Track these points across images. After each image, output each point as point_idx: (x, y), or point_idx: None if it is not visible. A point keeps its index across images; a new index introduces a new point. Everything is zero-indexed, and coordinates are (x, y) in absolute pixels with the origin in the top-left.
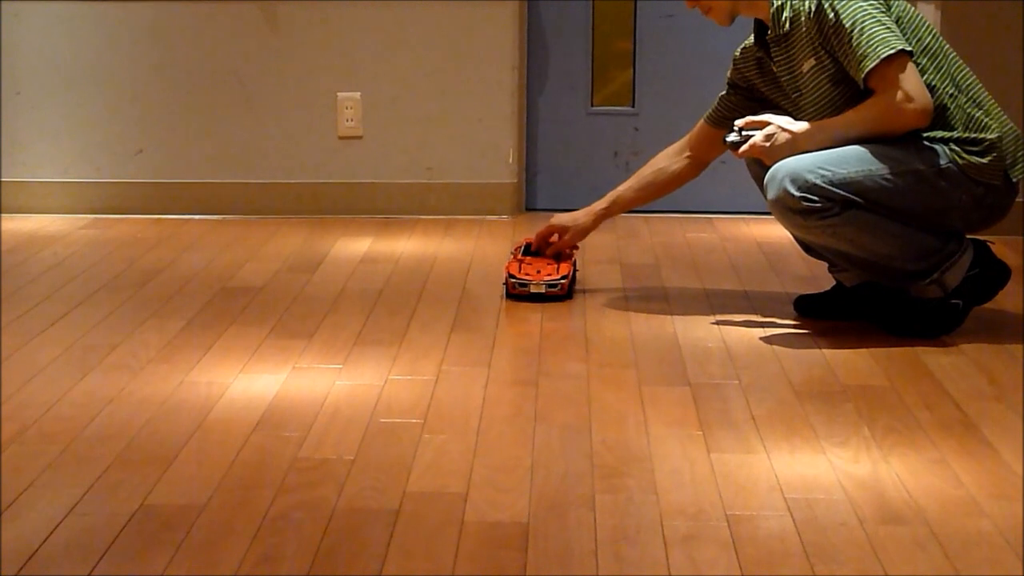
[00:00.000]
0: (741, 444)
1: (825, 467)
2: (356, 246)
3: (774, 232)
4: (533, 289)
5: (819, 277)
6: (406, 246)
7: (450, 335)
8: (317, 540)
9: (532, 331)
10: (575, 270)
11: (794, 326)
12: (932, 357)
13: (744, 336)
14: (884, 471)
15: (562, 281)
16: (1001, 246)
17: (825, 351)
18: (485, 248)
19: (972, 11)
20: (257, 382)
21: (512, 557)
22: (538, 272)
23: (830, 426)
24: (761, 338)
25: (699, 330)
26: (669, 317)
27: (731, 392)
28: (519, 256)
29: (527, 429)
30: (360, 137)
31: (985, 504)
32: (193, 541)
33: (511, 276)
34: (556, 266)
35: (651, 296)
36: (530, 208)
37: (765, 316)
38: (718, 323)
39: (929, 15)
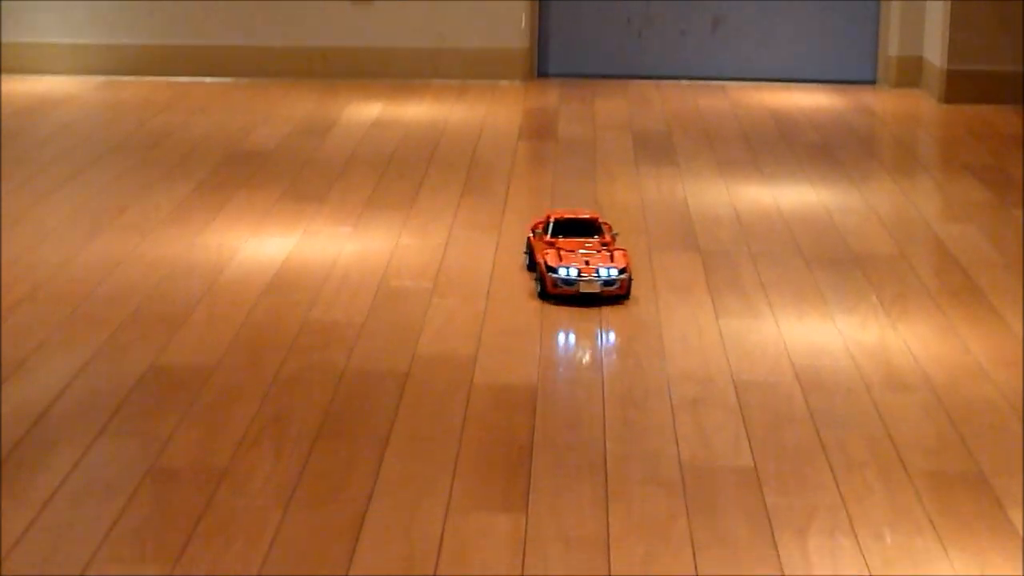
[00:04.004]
0: (750, 310)
1: (833, 333)
2: (367, 110)
3: (786, 100)
4: (584, 288)
5: (831, 145)
6: (417, 111)
7: (460, 199)
8: (327, 402)
9: (543, 196)
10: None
11: (805, 193)
12: (942, 225)
13: (755, 203)
14: (892, 338)
15: (621, 277)
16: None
17: (835, 218)
18: (497, 114)
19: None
20: (267, 245)
21: (520, 420)
22: (587, 263)
23: (839, 293)
24: (771, 205)
25: (710, 197)
26: (680, 184)
27: (741, 259)
28: (548, 238)
29: (536, 293)
30: (372, 0)
31: (992, 371)
32: (203, 402)
33: (551, 269)
34: (608, 254)
35: (662, 163)
36: (542, 74)
37: (776, 183)
38: (729, 190)
39: (938, 12)
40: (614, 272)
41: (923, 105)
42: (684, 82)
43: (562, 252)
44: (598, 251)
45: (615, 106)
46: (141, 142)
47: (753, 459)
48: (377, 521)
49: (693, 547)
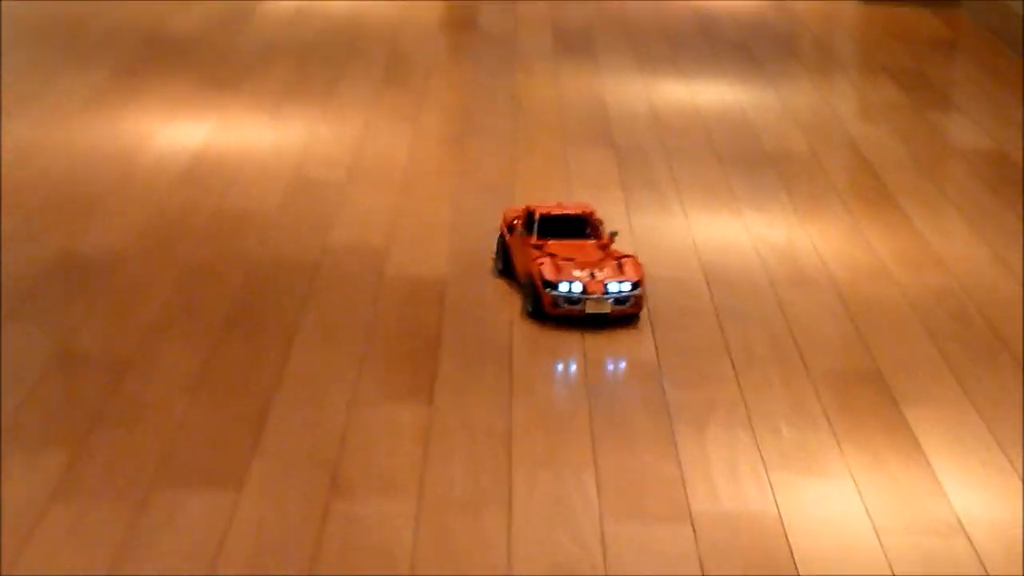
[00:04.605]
0: (661, 207)
1: (741, 231)
2: (287, 1)
3: None
4: (591, 309)
5: (751, 44)
6: (338, 2)
7: (379, 91)
8: (236, 291)
9: (462, 89)
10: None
11: (723, 92)
12: (855, 125)
13: (672, 101)
14: (799, 236)
15: (635, 293)
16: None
17: (751, 117)
18: (418, 6)
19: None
20: (182, 132)
21: (429, 312)
22: (592, 276)
23: (750, 191)
24: (689, 103)
25: (628, 94)
26: (599, 80)
27: (655, 156)
28: (534, 240)
29: (451, 187)
30: None
31: (896, 272)
32: (113, 289)
33: (548, 285)
34: (615, 263)
35: (581, 58)
36: None
37: (695, 81)
38: (647, 87)
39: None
40: (626, 287)
41: (843, 6)
42: None
43: (559, 262)
44: (601, 259)
45: (537, 1)
46: (55, 28)
47: (656, 353)
48: (283, 411)
49: (593, 439)
